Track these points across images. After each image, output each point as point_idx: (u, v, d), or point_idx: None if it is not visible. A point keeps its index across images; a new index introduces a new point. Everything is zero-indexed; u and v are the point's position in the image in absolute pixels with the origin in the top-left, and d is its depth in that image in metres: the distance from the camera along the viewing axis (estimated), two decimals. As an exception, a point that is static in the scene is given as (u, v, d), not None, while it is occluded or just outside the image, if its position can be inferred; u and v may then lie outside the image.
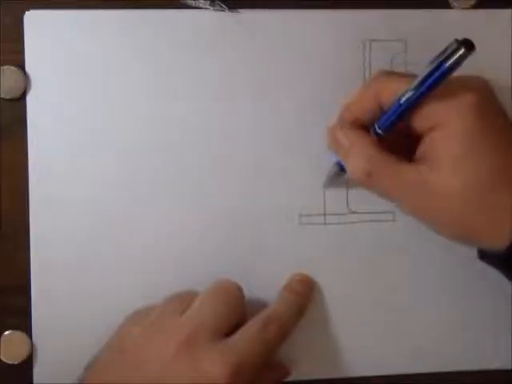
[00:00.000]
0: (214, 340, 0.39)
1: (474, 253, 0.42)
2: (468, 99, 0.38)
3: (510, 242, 0.38)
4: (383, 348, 0.46)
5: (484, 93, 0.39)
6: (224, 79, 0.45)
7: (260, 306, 0.44)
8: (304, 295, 0.45)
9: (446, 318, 0.47)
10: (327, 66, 0.45)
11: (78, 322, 0.44)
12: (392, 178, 0.40)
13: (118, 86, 0.44)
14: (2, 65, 0.43)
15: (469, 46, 0.36)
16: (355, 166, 0.40)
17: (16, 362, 0.44)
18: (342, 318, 0.46)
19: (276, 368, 0.45)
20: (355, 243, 0.46)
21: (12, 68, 0.43)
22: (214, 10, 0.44)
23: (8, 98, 0.44)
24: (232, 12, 0.45)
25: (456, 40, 0.36)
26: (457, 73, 0.37)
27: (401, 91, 0.39)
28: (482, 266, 0.42)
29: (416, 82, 0.38)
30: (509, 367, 0.47)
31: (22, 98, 0.44)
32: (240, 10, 0.45)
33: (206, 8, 0.44)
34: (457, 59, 0.36)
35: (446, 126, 0.38)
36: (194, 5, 0.44)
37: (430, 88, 0.37)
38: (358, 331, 0.46)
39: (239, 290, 0.42)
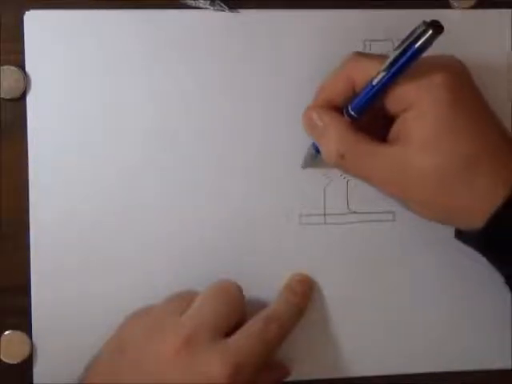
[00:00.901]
0: (214, 340, 0.39)
1: (474, 253, 0.42)
2: (439, 78, 0.38)
3: (486, 222, 0.38)
4: (383, 348, 0.46)
5: (456, 72, 0.39)
6: (224, 79, 0.45)
7: (260, 305, 0.44)
8: (304, 295, 0.45)
9: (446, 318, 0.47)
10: (327, 66, 0.45)
11: (78, 322, 0.44)
12: (365, 159, 0.39)
13: (118, 86, 0.44)
14: (2, 65, 0.43)
15: (437, 27, 0.36)
16: (328, 148, 0.40)
17: (16, 362, 0.44)
18: (341, 318, 0.46)
19: (276, 368, 0.45)
20: (355, 243, 0.46)
21: (12, 68, 0.43)
22: (214, 9, 0.44)
23: (8, 97, 0.44)
24: (232, 12, 0.45)
25: (424, 22, 0.36)
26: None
27: (373, 72, 0.38)
28: (483, 266, 0.42)
29: (386, 63, 0.37)
30: (509, 367, 0.47)
31: (22, 98, 0.44)
32: (240, 10, 0.45)
33: (206, 8, 0.44)
34: (425, 41, 0.36)
35: (418, 107, 0.38)
36: (194, 5, 0.44)
37: (401, 69, 0.37)
38: (358, 331, 0.46)
39: (239, 290, 0.42)
